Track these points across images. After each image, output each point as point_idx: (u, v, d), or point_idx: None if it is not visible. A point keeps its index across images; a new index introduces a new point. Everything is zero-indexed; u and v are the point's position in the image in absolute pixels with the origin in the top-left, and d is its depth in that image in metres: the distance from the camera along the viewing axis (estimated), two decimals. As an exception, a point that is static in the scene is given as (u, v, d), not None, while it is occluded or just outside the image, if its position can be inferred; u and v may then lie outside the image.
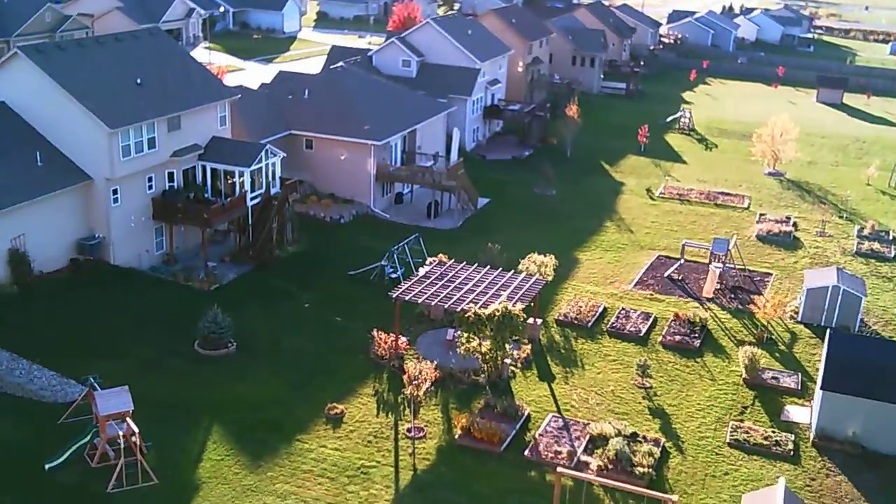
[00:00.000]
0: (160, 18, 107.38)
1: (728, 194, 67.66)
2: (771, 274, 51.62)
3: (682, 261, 51.12)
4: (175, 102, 45.05)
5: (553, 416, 34.74)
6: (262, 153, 46.61)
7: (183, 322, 38.78)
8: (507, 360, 37.39)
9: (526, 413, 34.57)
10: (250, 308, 41.80)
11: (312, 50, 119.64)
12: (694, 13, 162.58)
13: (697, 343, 41.59)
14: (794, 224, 60.51)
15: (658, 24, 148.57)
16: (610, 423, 33.70)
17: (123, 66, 44.90)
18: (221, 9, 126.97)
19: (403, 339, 39.34)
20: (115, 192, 42.58)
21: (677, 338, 41.85)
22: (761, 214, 62.43)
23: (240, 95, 51.03)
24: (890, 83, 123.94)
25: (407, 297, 38.34)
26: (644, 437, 33.27)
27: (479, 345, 36.23)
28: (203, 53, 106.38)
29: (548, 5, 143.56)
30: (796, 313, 45.24)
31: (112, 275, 42.80)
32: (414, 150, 61.87)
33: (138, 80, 44.15)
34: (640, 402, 36.19)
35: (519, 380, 37.42)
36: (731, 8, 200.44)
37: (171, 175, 45.48)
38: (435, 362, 35.80)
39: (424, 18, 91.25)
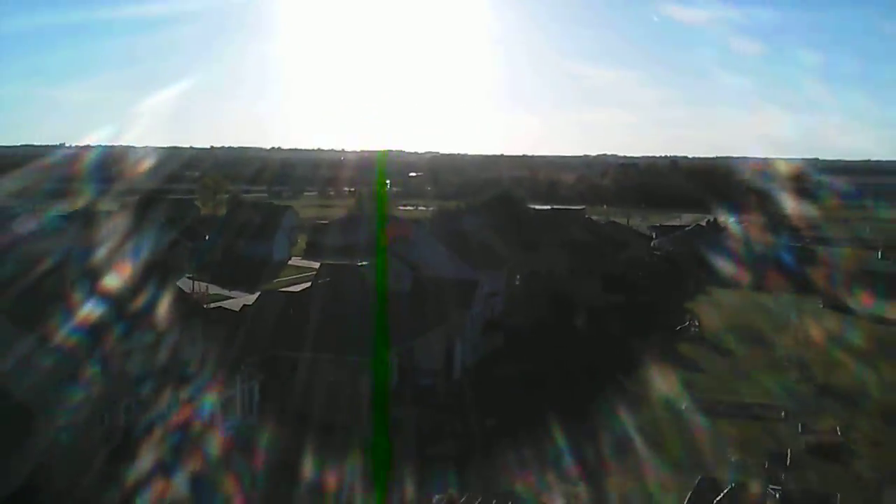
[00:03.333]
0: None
1: (760, 405, 61.12)
2: (835, 495, 43.96)
3: (732, 485, 43.52)
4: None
5: None
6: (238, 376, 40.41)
7: None
8: None
9: None
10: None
11: (302, 276, 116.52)
12: (684, 227, 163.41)
13: (777, 588, 33.47)
14: (842, 434, 53.60)
15: (650, 238, 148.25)
16: None
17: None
18: (207, 237, 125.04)
19: None
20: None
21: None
22: (803, 425, 55.58)
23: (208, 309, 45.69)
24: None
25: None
26: None
27: None
28: (186, 283, 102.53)
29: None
30: (882, 541, 37.51)
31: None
32: (412, 368, 55.73)
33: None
34: None
35: None
36: (715, 221, 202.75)
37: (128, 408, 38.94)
38: None
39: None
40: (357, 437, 49.55)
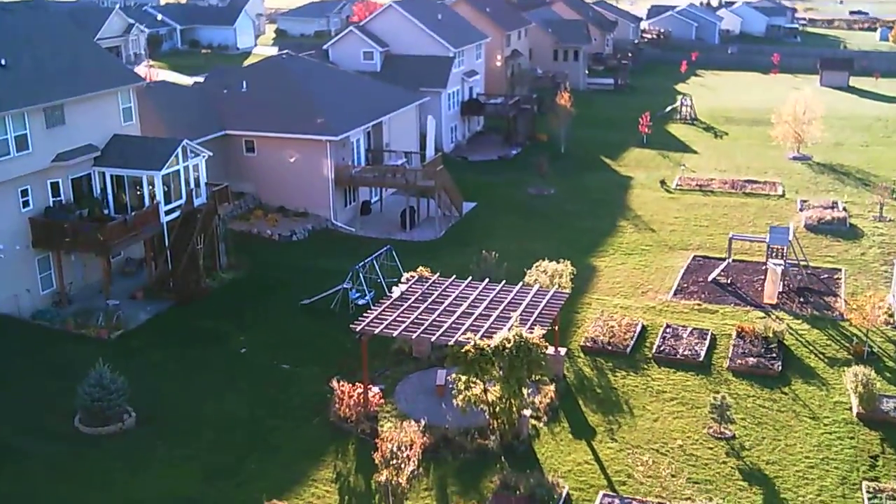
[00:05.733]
0: (95, 35, 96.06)
1: (756, 182, 57.29)
2: (839, 269, 40.93)
3: (730, 260, 40.23)
4: (56, 89, 33.80)
5: (605, 495, 23.49)
6: (179, 151, 35.41)
7: (65, 388, 27.29)
8: (526, 412, 26.16)
9: (564, 494, 23.33)
10: (164, 360, 30.46)
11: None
12: (674, 7, 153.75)
13: (778, 366, 30.62)
14: (845, 209, 50.13)
15: (638, 19, 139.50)
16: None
17: (-16, 46, 33.67)
18: (159, 17, 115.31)
19: (376, 389, 28.05)
20: (-30, 211, 31.34)
21: (750, 361, 30.82)
22: (803, 201, 51.96)
23: (147, 83, 40.06)
24: (891, 65, 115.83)
25: (377, 330, 27.13)
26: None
27: (485, 391, 25.09)
28: (143, 70, 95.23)
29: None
30: (891, 317, 34.55)
31: (-26, 326, 31.36)
32: (381, 149, 50.86)
33: (2, 62, 32.90)
34: (724, 462, 25.00)
35: (545, 439, 26.16)
36: (709, 3, 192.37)
37: (55, 186, 34.12)
38: (422, 422, 24.48)
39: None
40: (321, 223, 45.64)
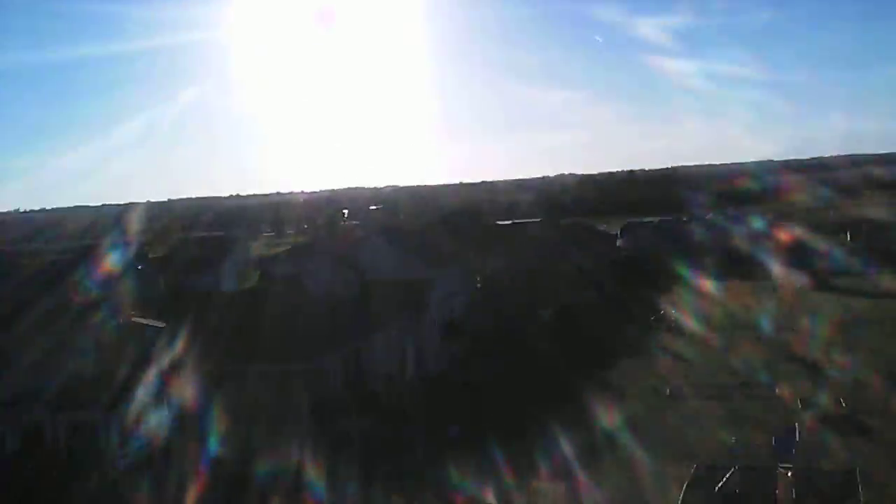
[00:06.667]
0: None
1: (748, 383, 55.56)
2: (854, 470, 37.95)
3: (736, 468, 37.24)
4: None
5: None
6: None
7: None
8: None
9: None
10: None
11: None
12: (649, 222, 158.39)
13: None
14: (844, 404, 48.06)
15: (613, 236, 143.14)
16: None
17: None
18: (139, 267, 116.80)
19: None
20: None
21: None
22: (802, 399, 49.89)
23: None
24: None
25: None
26: None
27: None
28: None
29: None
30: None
31: None
32: (359, 375, 49.00)
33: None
34: None
35: None
36: (681, 219, 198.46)
37: None
38: None
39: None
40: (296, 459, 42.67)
